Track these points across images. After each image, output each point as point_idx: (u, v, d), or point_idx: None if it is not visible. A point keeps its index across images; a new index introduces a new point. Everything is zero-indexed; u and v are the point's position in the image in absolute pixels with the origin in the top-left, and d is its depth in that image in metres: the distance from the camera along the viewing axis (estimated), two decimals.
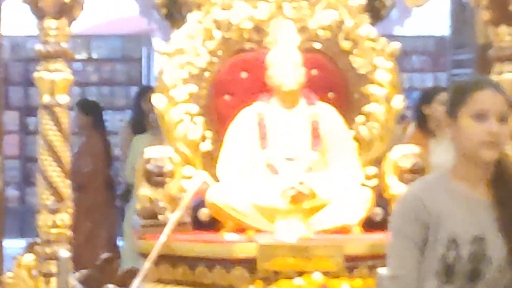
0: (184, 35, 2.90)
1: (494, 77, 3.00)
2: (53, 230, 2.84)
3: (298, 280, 2.71)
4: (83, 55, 7.17)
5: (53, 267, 2.81)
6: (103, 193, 4.97)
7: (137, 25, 6.04)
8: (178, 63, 2.91)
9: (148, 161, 2.85)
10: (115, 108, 7.20)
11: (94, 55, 7.44)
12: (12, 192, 6.82)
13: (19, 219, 6.42)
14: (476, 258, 1.71)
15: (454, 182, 1.71)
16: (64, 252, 2.73)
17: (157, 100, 2.87)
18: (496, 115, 1.62)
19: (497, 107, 1.64)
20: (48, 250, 2.81)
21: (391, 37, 3.31)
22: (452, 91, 1.79)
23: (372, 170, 3.03)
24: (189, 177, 2.98)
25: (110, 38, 7.65)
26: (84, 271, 3.00)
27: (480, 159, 1.64)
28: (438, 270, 1.69)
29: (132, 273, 2.97)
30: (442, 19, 6.50)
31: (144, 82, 7.07)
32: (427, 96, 3.98)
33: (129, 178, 4.39)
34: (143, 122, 4.56)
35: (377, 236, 2.84)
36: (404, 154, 2.96)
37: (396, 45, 3.07)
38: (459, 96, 1.69)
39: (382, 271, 2.07)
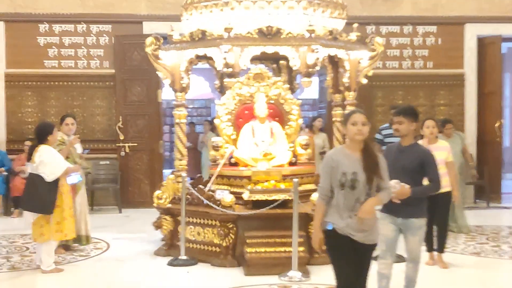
0: (225, 98, 7.54)
1: (335, 112, 7.76)
2: (179, 166, 7.26)
3: (266, 183, 6.46)
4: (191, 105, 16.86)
5: (180, 179, 7.25)
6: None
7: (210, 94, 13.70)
8: (223, 108, 7.52)
9: (213, 142, 7.42)
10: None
11: (196, 105, 16.60)
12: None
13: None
14: (353, 180, 3.84)
15: (346, 150, 3.97)
16: (184, 174, 6.90)
17: (217, 121, 7.52)
18: (361, 122, 3.87)
19: (361, 119, 3.87)
20: (178, 173, 7.24)
21: (297, 98, 8.10)
22: (344, 116, 4.16)
23: (291, 145, 7.49)
24: (227, 148, 7.42)
25: (200, 100, 17.81)
26: (191, 180, 7.55)
27: (356, 140, 3.89)
28: (338, 185, 3.87)
29: (207, 181, 7.48)
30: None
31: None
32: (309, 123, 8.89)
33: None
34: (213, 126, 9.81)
35: (293, 167, 6.90)
36: (302, 139, 7.61)
37: (298, 101, 7.71)
38: (346, 117, 3.97)
39: (295, 179, 6.50)
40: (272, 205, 6.15)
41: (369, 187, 3.87)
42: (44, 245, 6.00)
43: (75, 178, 6.38)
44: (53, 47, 10.41)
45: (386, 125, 7.92)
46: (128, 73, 10.34)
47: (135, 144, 10.35)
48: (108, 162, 10.30)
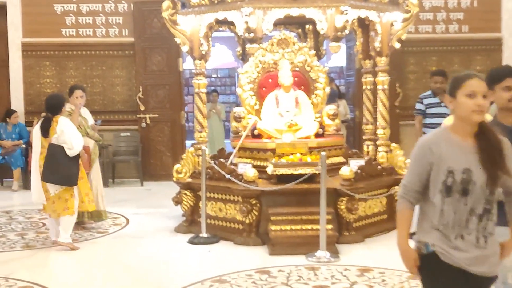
0: (248, 65, 7.10)
1: (365, 79, 7.27)
2: (199, 139, 6.83)
3: (291, 156, 6.05)
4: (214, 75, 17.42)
5: (200, 152, 6.85)
6: None
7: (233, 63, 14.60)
8: (245, 76, 7.09)
9: (235, 113, 7.03)
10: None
11: (219, 74, 17.68)
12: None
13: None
14: (465, 182, 2.48)
15: (452, 135, 2.57)
16: (204, 147, 6.37)
17: (238, 90, 7.12)
18: (482, 93, 2.48)
19: (481, 88, 2.48)
20: (198, 146, 6.89)
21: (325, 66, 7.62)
22: (451, 81, 2.61)
23: (317, 115, 6.95)
24: (250, 119, 6.91)
25: (224, 69, 17.68)
26: (211, 154, 7.20)
27: (471, 121, 2.50)
28: (441, 189, 2.50)
29: (229, 154, 7.12)
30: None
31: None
32: None
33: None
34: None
35: (320, 139, 6.48)
36: (330, 108, 7.17)
37: (326, 68, 7.27)
38: (456, 83, 2.55)
39: (323, 152, 6.08)
40: (298, 180, 5.74)
41: (490, 191, 2.57)
42: (66, 218, 5.79)
43: None
44: (71, 14, 10.06)
45: (428, 92, 6.82)
46: (148, 41, 9.96)
47: (156, 115, 10.02)
48: (128, 134, 10.00)
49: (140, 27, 9.95)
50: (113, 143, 9.91)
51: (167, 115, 10.07)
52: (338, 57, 13.86)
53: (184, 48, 6.46)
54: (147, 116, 9.99)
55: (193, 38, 6.41)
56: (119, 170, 10.05)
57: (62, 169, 5.67)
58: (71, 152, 5.69)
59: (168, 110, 10.07)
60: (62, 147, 5.68)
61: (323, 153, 5.45)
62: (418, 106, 6.81)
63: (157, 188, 9.19)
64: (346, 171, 5.97)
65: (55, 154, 5.70)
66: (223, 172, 6.07)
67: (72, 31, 10.06)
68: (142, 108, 9.99)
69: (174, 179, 6.55)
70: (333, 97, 10.00)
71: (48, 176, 5.71)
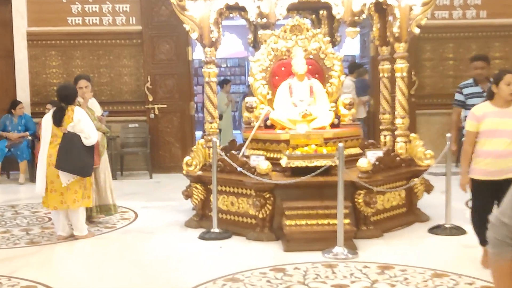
0: (260, 53, 6.83)
1: (382, 66, 6.97)
2: (210, 130, 6.48)
3: (306, 148, 5.77)
4: (224, 64, 17.31)
5: (211, 144, 6.35)
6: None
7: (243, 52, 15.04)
8: (257, 64, 6.82)
9: (247, 102, 6.77)
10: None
11: (229, 64, 17.50)
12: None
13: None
14: None
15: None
16: (214, 139, 5.95)
17: (250, 79, 6.84)
18: None
19: None
20: (208, 138, 6.34)
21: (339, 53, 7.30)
22: (496, 74, 4.40)
23: (332, 104, 6.69)
24: (262, 109, 6.58)
25: (234, 58, 17.24)
26: (222, 146, 6.95)
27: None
28: None
29: (241, 145, 6.87)
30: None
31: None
32: None
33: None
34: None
35: (336, 130, 6.22)
36: (345, 98, 6.89)
37: (341, 55, 6.97)
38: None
39: (341, 144, 5.74)
40: (314, 173, 5.47)
41: None
42: (79, 210, 5.70)
43: None
44: (77, 2, 9.82)
45: (469, 81, 6.17)
46: (156, 29, 9.70)
47: (165, 106, 9.78)
48: (137, 125, 9.77)
49: (148, 14, 9.69)
50: (121, 135, 9.68)
51: (176, 105, 9.83)
52: (350, 45, 13.52)
53: (194, 35, 6.18)
54: (156, 106, 9.75)
55: (203, 25, 6.12)
56: (127, 162, 9.83)
57: (77, 158, 5.53)
58: (88, 142, 5.56)
59: (177, 101, 9.83)
60: (79, 136, 5.55)
61: (340, 145, 5.16)
62: (458, 96, 6.18)
63: (167, 181, 8.95)
64: (364, 163, 5.69)
65: (71, 143, 5.54)
66: (235, 165, 5.81)
67: (78, 20, 9.82)
68: (151, 99, 9.76)
69: (184, 172, 6.29)
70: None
71: (63, 164, 5.50)
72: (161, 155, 9.81)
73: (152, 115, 9.74)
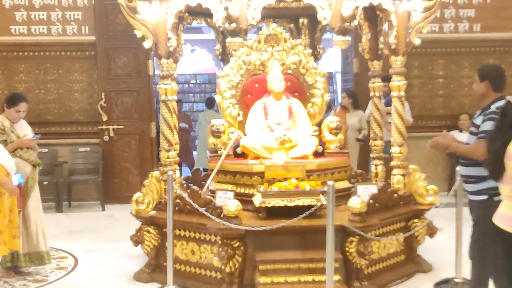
0: (229, 67, 5.72)
1: (372, 84, 5.90)
2: (166, 160, 5.14)
3: (284, 183, 4.62)
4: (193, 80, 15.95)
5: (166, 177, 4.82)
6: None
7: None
8: (226, 80, 5.68)
9: (213, 126, 5.61)
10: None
11: (199, 80, 15.97)
12: None
13: None
14: None
15: None
16: (170, 172, 4.73)
17: (217, 98, 5.71)
18: None
19: None
20: (164, 169, 5.08)
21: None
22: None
23: (315, 128, 5.49)
24: (231, 133, 5.42)
25: (204, 74, 15.99)
26: (184, 176, 5.78)
27: None
28: None
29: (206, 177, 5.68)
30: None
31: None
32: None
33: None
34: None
35: (320, 160, 5.17)
36: (331, 120, 5.78)
37: (324, 71, 5.86)
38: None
39: (331, 182, 4.50)
40: (297, 218, 4.33)
41: None
42: None
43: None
44: (21, 9, 8.62)
45: None
46: (112, 40, 8.56)
47: (122, 127, 8.60)
48: (88, 149, 8.55)
49: (103, 23, 8.56)
50: (70, 160, 8.47)
51: (135, 126, 8.66)
52: (327, 60, 12.51)
53: (147, 44, 5.05)
54: (111, 127, 8.57)
55: (158, 31, 4.99)
56: (76, 192, 8.59)
57: None
58: None
59: (136, 121, 8.66)
60: None
61: (330, 183, 4.02)
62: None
63: (121, 214, 7.68)
64: (357, 203, 4.59)
65: None
66: (195, 205, 4.63)
67: (23, 29, 8.61)
68: (105, 119, 8.58)
69: (134, 211, 5.11)
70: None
71: None
72: (116, 184, 8.61)
73: (106, 137, 8.55)
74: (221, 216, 4.55)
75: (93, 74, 8.68)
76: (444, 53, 9.07)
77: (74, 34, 8.68)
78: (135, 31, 5.10)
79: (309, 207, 4.57)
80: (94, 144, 8.62)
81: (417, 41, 5.17)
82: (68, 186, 8.43)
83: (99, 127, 8.62)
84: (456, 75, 9.15)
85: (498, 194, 3.34)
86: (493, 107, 3.79)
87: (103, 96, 8.60)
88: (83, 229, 7.03)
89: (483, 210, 3.70)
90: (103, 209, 8.15)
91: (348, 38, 4.69)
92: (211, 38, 6.92)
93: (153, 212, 5.05)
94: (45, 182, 7.95)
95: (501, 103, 3.71)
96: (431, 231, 5.21)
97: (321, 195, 4.66)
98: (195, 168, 6.20)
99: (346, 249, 4.52)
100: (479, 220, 3.80)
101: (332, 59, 13.00)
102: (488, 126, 3.68)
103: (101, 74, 8.61)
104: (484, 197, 3.75)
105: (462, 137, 8.61)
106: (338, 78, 13.68)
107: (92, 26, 8.64)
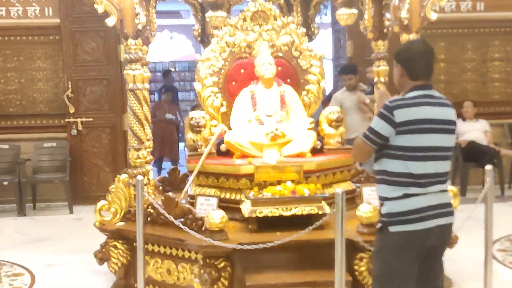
0: (209, 50, 4.88)
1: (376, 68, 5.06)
2: (136, 161, 4.36)
3: (278, 187, 3.93)
4: (172, 68, 14.93)
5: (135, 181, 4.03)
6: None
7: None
8: (206, 65, 4.85)
9: (192, 119, 4.77)
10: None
11: (178, 67, 15.47)
12: None
13: None
14: None
15: None
16: (140, 176, 3.86)
17: (197, 86, 4.87)
18: None
19: None
20: (134, 172, 4.36)
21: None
22: None
23: (311, 120, 4.69)
24: (214, 127, 4.64)
25: (183, 62, 15.55)
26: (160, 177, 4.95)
27: None
28: None
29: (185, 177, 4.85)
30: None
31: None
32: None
33: None
34: None
35: (320, 158, 4.41)
36: (331, 111, 5.00)
37: (321, 53, 5.06)
38: None
39: (339, 190, 3.13)
40: (297, 235, 3.54)
41: None
42: None
43: None
44: None
45: None
46: (79, 22, 7.69)
47: (91, 119, 7.75)
48: (54, 144, 7.69)
49: (68, 4, 7.71)
50: (34, 157, 7.61)
51: (105, 118, 7.81)
52: (319, 44, 11.64)
53: (110, 21, 4.19)
54: (79, 120, 7.71)
55: (124, 6, 4.15)
56: (42, 192, 7.72)
57: None
58: None
59: (107, 112, 7.81)
60: None
61: (338, 190, 3.19)
62: None
63: (90, 217, 6.62)
64: (367, 211, 3.80)
65: None
66: (170, 217, 3.80)
67: None
68: (72, 110, 7.72)
69: (97, 223, 4.28)
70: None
71: None
72: (86, 182, 7.77)
73: (74, 131, 7.70)
74: (203, 229, 3.74)
75: (58, 61, 7.80)
76: (445, 34, 8.31)
77: (36, 16, 7.78)
78: (95, 6, 4.23)
79: (308, 216, 3.81)
80: (61, 139, 7.75)
81: (433, 16, 4.36)
82: (32, 186, 7.55)
83: (66, 120, 7.75)
84: (458, 59, 8.44)
85: None
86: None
87: (69, 86, 7.73)
88: (47, 236, 6.18)
89: None
90: (71, 212, 7.30)
91: (355, 11, 3.91)
92: (190, 23, 6.16)
93: (120, 224, 4.24)
94: (5, 183, 7.23)
95: (416, 93, 2.84)
96: (451, 240, 4.42)
97: (323, 202, 3.88)
98: (172, 167, 5.33)
99: (355, 267, 3.76)
100: None
101: (321, 45, 12.07)
102: (374, 122, 2.80)
103: (67, 61, 7.73)
104: None
105: (466, 126, 7.94)
106: (329, 66, 12.65)
107: (56, 7, 7.75)
